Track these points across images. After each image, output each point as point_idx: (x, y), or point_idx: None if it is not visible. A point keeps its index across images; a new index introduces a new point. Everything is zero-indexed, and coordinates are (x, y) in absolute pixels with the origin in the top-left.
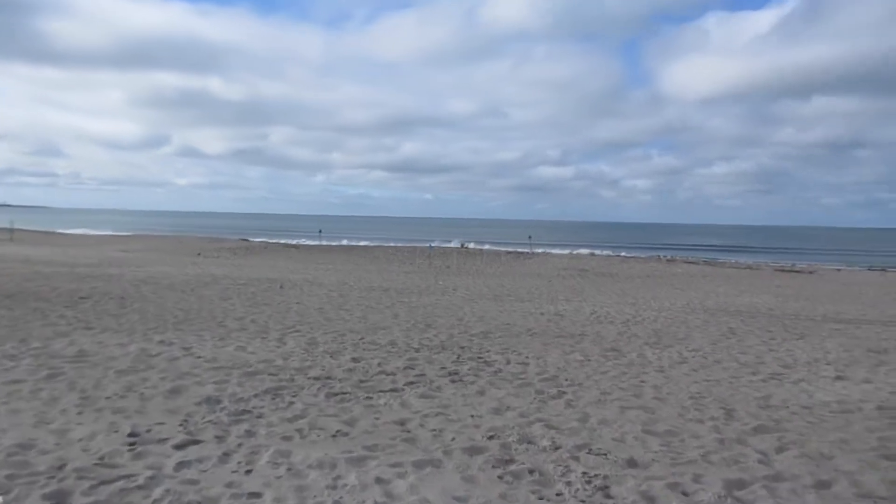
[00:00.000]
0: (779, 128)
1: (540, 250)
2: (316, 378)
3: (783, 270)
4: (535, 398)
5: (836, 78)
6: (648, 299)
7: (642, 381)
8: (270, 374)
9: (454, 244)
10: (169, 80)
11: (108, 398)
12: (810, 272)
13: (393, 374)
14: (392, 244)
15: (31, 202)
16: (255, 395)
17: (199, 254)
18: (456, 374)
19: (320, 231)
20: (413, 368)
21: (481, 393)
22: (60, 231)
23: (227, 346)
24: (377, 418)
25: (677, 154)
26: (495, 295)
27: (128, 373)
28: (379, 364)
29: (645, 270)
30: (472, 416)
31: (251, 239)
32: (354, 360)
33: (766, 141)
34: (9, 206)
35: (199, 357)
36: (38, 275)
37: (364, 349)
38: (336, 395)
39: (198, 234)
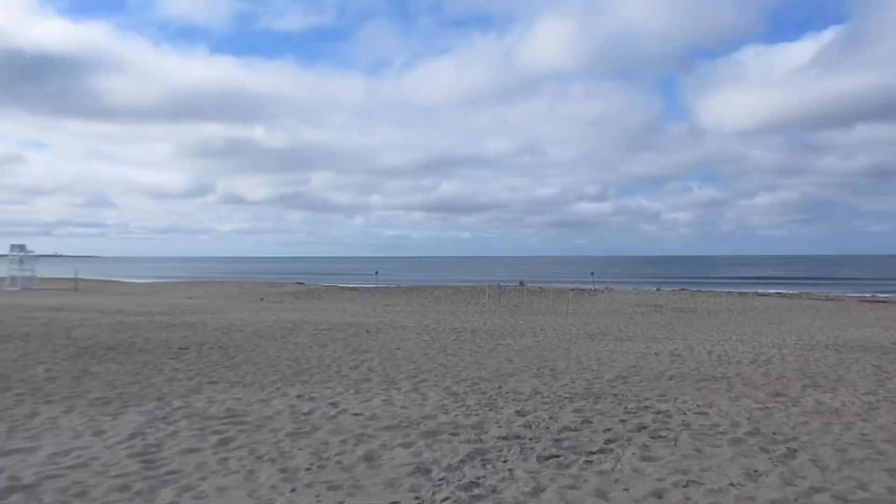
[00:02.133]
0: (821, 156)
1: (601, 286)
2: (503, 438)
3: (867, 301)
4: (771, 458)
5: (878, 105)
6: (751, 335)
7: (863, 435)
8: (452, 434)
9: (510, 283)
10: (215, 130)
11: (307, 470)
12: None
13: (578, 429)
14: (445, 284)
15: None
16: (462, 462)
17: (261, 299)
18: (645, 427)
19: (376, 272)
20: (591, 422)
21: (699, 452)
22: (119, 279)
23: (371, 400)
24: (626, 489)
25: (717, 186)
26: (589, 334)
27: (299, 436)
28: (551, 418)
29: (721, 304)
30: (733, 484)
31: (305, 282)
32: (519, 413)
33: (808, 170)
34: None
35: (358, 414)
36: (123, 325)
37: (514, 400)
38: (548, 458)
39: (251, 279)
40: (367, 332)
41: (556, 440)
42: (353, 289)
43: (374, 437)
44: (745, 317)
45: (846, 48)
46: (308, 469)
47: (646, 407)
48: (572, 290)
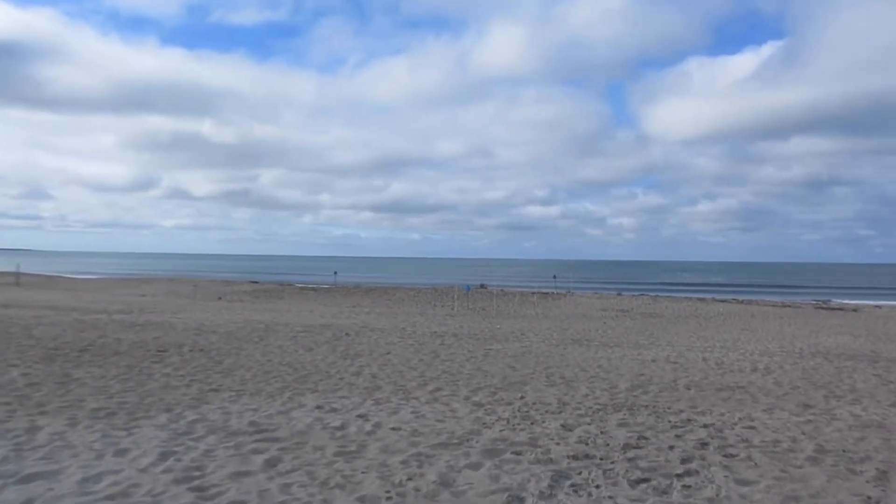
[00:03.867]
0: (760, 167)
1: (563, 290)
2: (573, 457)
3: (823, 308)
4: (868, 481)
5: (813, 119)
6: (732, 342)
7: None
8: (515, 454)
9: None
10: (162, 123)
11: (388, 499)
12: (854, 310)
13: (640, 446)
14: (403, 285)
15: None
16: (552, 488)
17: (219, 298)
18: (706, 445)
19: (335, 273)
20: (648, 438)
21: (787, 474)
22: (61, 274)
23: (398, 412)
24: None
25: (662, 192)
26: (573, 339)
27: (350, 455)
28: (602, 433)
29: (685, 310)
30: None
31: (259, 281)
32: (566, 427)
33: (747, 179)
34: None
35: (396, 429)
36: (84, 324)
37: (547, 412)
38: (638, 482)
39: (201, 277)
40: (347, 335)
41: (630, 460)
42: (312, 288)
43: (434, 457)
44: (714, 322)
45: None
46: (389, 498)
47: (688, 420)
48: (534, 293)
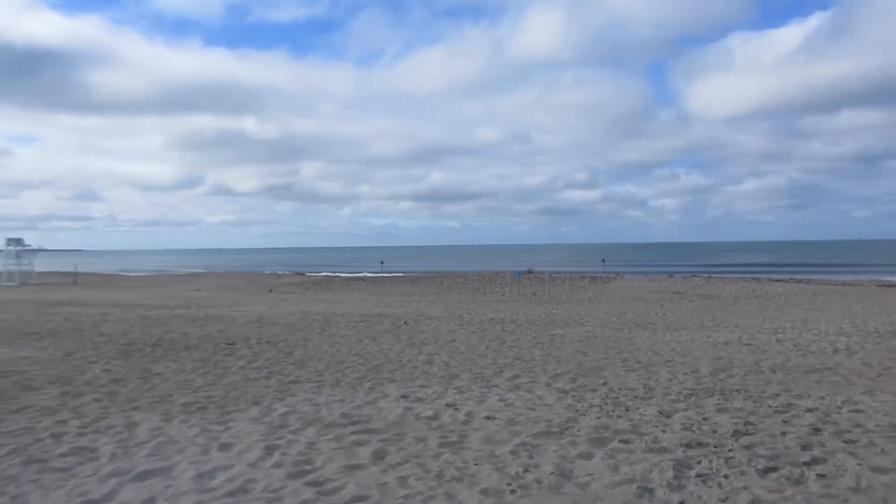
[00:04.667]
0: (807, 142)
1: (612, 274)
2: (687, 445)
3: (887, 286)
4: None
5: (863, 91)
6: (802, 323)
7: None
8: (623, 442)
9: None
10: (206, 122)
11: (512, 492)
12: None
13: (751, 433)
14: (447, 273)
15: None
16: (678, 479)
17: (270, 290)
18: (819, 431)
19: (382, 262)
20: (754, 424)
21: None
22: (115, 273)
23: (485, 400)
24: None
25: (705, 172)
26: (636, 323)
27: (455, 446)
28: (704, 419)
29: (742, 291)
30: None
31: (305, 273)
32: (663, 414)
33: (794, 156)
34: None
35: (490, 418)
36: (148, 320)
37: (637, 398)
38: (766, 471)
39: (249, 271)
40: (406, 323)
41: (746, 447)
42: (360, 279)
43: (540, 447)
44: (776, 303)
45: (831, 35)
46: (513, 491)
47: (789, 404)
48: (584, 277)
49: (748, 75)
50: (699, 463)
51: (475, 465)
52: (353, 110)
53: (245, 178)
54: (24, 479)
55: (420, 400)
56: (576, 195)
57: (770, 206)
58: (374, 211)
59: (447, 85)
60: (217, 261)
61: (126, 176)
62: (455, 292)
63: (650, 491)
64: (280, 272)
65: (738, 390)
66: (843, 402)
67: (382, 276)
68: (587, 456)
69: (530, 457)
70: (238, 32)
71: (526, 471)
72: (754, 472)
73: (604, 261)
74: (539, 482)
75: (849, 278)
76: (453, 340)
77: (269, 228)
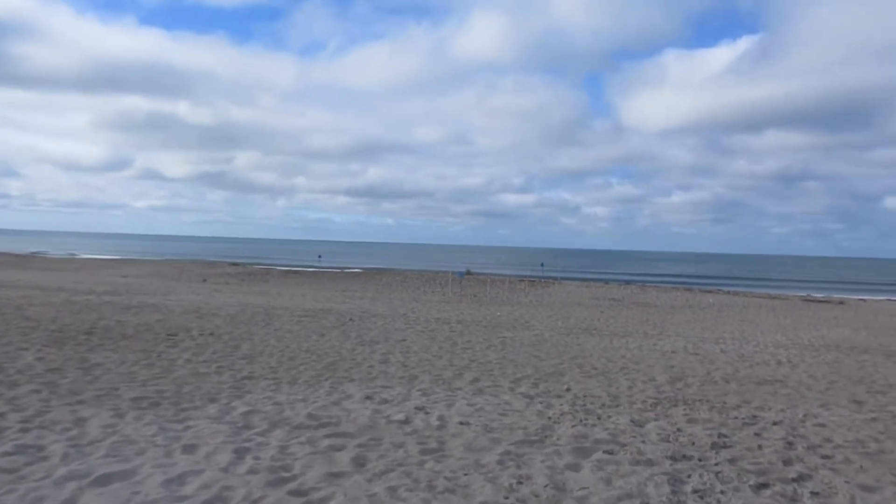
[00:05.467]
0: (733, 159)
1: (549, 278)
2: (672, 458)
3: (810, 300)
4: None
5: (787, 113)
6: (741, 333)
7: None
8: (607, 453)
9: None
10: (137, 103)
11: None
12: (840, 302)
13: (728, 445)
14: (386, 270)
15: None
16: (676, 494)
17: (204, 280)
18: (793, 446)
19: (320, 256)
20: (727, 436)
21: None
22: (38, 255)
23: (454, 405)
24: None
25: (636, 183)
26: (581, 329)
27: (435, 454)
28: (678, 430)
29: (678, 300)
30: None
31: (239, 264)
32: (635, 423)
33: (721, 172)
34: None
35: (464, 423)
36: (77, 305)
37: (605, 405)
38: (759, 486)
39: (180, 259)
40: (351, 320)
41: (731, 461)
42: (296, 272)
43: (524, 456)
44: (711, 313)
45: (759, 58)
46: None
47: (753, 416)
48: (522, 280)
49: (680, 92)
50: (689, 477)
51: (464, 475)
52: (291, 101)
53: (176, 163)
54: None
55: (386, 402)
56: (511, 199)
57: (695, 219)
58: (309, 204)
59: (388, 82)
60: (145, 247)
61: (48, 154)
62: (396, 290)
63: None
64: (213, 261)
65: (699, 400)
66: (804, 415)
67: (320, 271)
68: (575, 468)
69: (518, 467)
70: (176, 13)
71: (519, 483)
72: (748, 489)
73: (542, 265)
74: (536, 496)
75: (773, 292)
76: (404, 340)
77: (200, 216)
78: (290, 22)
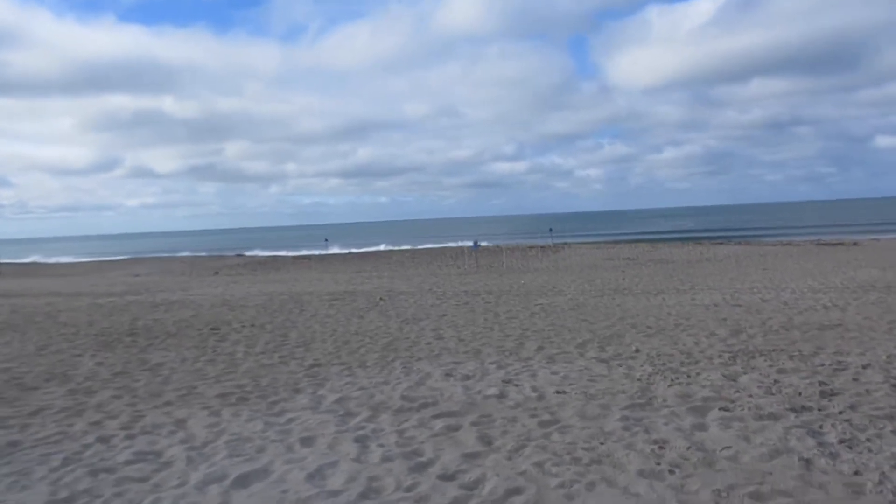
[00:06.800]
0: (721, 111)
1: (558, 242)
2: (792, 410)
3: (824, 244)
4: None
5: (772, 61)
6: (770, 281)
7: None
8: (723, 409)
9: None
10: (122, 102)
11: (671, 472)
12: (855, 244)
13: (836, 393)
14: (393, 249)
15: None
16: (822, 446)
17: (215, 273)
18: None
19: (326, 240)
20: (828, 384)
21: None
22: (40, 261)
23: (536, 375)
24: None
25: (627, 142)
26: (613, 290)
27: (555, 426)
28: (776, 382)
29: (693, 254)
30: None
31: (244, 254)
32: (728, 377)
33: (710, 124)
34: None
35: (562, 392)
36: (105, 308)
37: (684, 363)
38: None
39: (186, 254)
40: (382, 300)
41: (851, 408)
42: (305, 258)
43: (646, 420)
44: (731, 264)
45: (741, 7)
46: (671, 471)
47: (839, 362)
48: (531, 247)
49: (664, 47)
50: (822, 428)
51: (600, 444)
52: (277, 87)
53: (165, 159)
54: (106, 493)
55: (468, 378)
56: (503, 167)
57: (688, 174)
58: (301, 189)
59: (372, 60)
60: (144, 245)
61: (36, 160)
62: (410, 267)
63: (808, 461)
64: (219, 254)
65: (773, 350)
66: (887, 356)
67: (329, 255)
68: (702, 427)
69: (647, 432)
70: (155, 8)
71: (661, 448)
72: (891, 435)
73: (551, 230)
74: (686, 459)
75: (784, 239)
76: (444, 315)
77: (193, 210)
78: (271, 7)
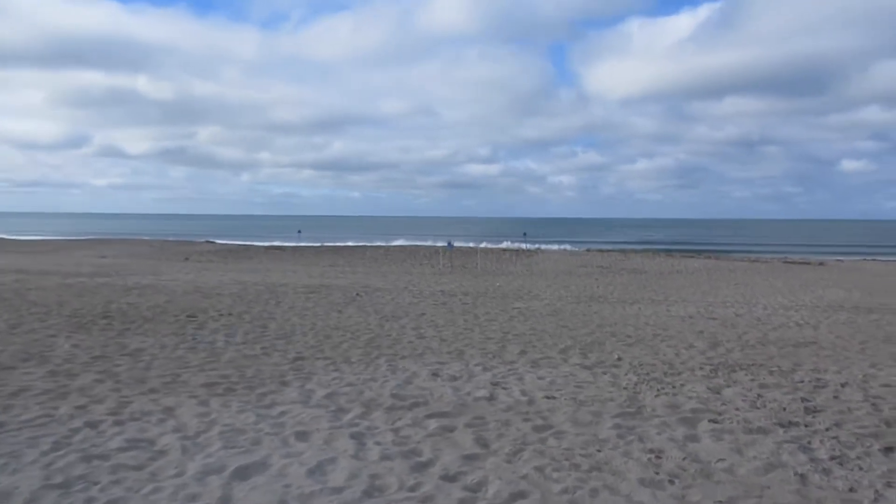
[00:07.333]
0: (694, 126)
1: (533, 247)
2: (779, 424)
3: (790, 262)
4: None
5: (746, 80)
6: (742, 296)
7: None
8: (712, 422)
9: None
10: (94, 78)
11: (671, 482)
12: (820, 264)
13: (819, 409)
14: (366, 245)
15: None
16: (814, 461)
17: (186, 258)
18: (878, 407)
19: (300, 231)
20: (810, 400)
21: None
22: (5, 237)
23: (523, 379)
24: None
25: (601, 151)
26: (588, 297)
27: (556, 433)
28: (759, 397)
29: (664, 266)
30: None
31: (214, 241)
32: (712, 389)
33: (683, 138)
34: None
35: (551, 398)
36: (74, 288)
37: (668, 374)
38: (886, 450)
39: (152, 238)
40: (359, 295)
41: (836, 425)
42: (278, 248)
43: (639, 430)
44: (702, 278)
45: (719, 25)
46: (671, 481)
47: (818, 379)
48: (505, 250)
49: (642, 60)
50: (811, 444)
51: (597, 451)
52: (254, 74)
53: (136, 139)
54: (103, 480)
55: (455, 378)
56: (477, 169)
57: (659, 186)
58: (273, 179)
59: (352, 54)
60: (110, 226)
61: (3, 132)
62: (383, 264)
63: (803, 477)
64: (189, 240)
65: (752, 365)
66: (863, 376)
67: (301, 247)
68: (694, 438)
69: (641, 440)
70: None
71: (657, 457)
72: (879, 454)
73: (525, 234)
74: (684, 470)
75: (752, 255)
76: (423, 314)
77: (162, 193)
78: None
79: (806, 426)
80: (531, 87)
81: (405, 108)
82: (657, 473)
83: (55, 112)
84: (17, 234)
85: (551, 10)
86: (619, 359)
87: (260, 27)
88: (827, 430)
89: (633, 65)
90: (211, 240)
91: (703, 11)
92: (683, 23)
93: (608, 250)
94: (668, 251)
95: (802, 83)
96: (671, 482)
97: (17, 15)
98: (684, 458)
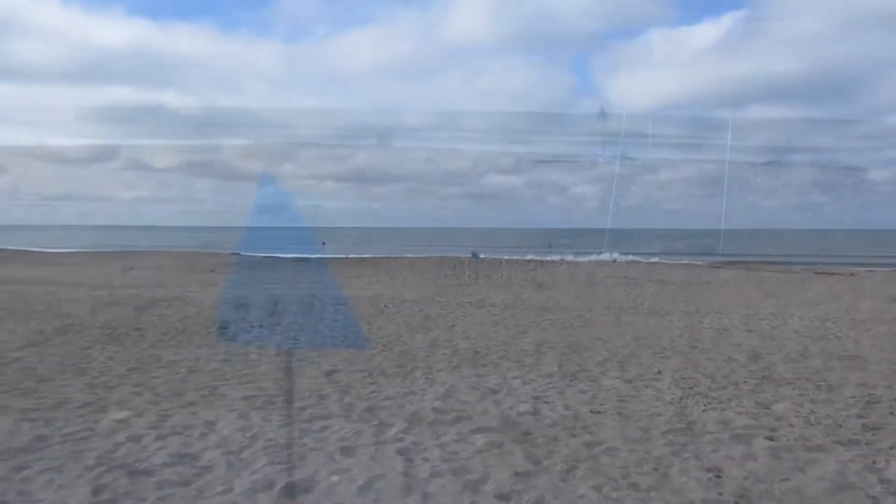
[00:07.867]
0: (719, 135)
1: (556, 258)
2: (838, 442)
3: (822, 273)
4: None
5: (770, 89)
6: (776, 308)
7: None
8: (767, 438)
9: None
10: (123, 93)
11: (736, 502)
12: (851, 274)
13: (878, 427)
14: (390, 256)
15: None
16: (884, 482)
17: (212, 271)
18: None
19: (324, 243)
20: (865, 417)
21: None
22: (29, 249)
23: (564, 392)
24: None
25: (624, 161)
26: (620, 308)
27: (607, 450)
28: (812, 412)
29: (692, 276)
30: None
31: (240, 253)
32: (760, 405)
33: (707, 147)
34: None
35: (597, 412)
36: (106, 301)
37: (711, 388)
38: None
39: (180, 250)
40: (386, 307)
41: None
42: (303, 260)
43: (691, 446)
44: (733, 288)
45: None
46: (737, 502)
47: (870, 394)
48: (529, 261)
49: (666, 70)
50: (875, 463)
51: (654, 469)
52: (279, 88)
53: (163, 153)
54: (150, 497)
55: (494, 392)
56: (500, 180)
57: (684, 195)
58: (297, 191)
59: (376, 66)
60: (137, 238)
61: (34, 147)
62: (409, 275)
63: (876, 499)
64: (215, 252)
65: (799, 379)
66: None
67: (325, 258)
68: (752, 456)
69: (697, 458)
70: (162, 2)
71: (717, 476)
72: None
73: (550, 246)
74: (748, 490)
75: (781, 266)
76: (454, 326)
77: (187, 206)
78: (276, 8)
79: (867, 444)
80: (554, 97)
81: (428, 120)
82: (720, 494)
83: (84, 127)
84: (46, 247)
85: (573, 22)
86: (660, 372)
87: (284, 41)
88: (891, 448)
89: (655, 75)
90: (236, 252)
91: (726, 20)
92: (706, 32)
93: (634, 261)
94: (695, 262)
95: (828, 91)
96: (736, 502)
97: (50, 33)
98: (745, 478)
